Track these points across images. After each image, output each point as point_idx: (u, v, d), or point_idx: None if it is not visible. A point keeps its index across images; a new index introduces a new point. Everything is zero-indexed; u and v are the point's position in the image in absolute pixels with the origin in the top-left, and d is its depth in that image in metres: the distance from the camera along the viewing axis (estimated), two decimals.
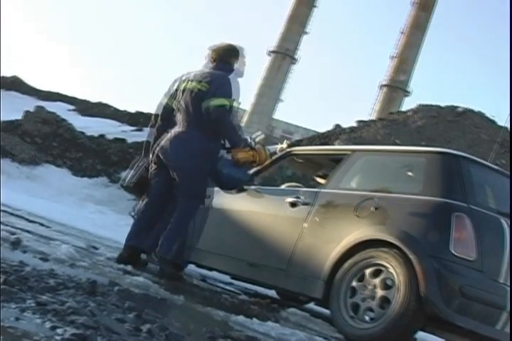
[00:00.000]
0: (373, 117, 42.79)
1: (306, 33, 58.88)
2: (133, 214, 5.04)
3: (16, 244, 3.48)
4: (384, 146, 7.05)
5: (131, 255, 4.44)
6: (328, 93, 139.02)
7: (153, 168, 4.64)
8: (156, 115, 4.82)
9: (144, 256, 4.77)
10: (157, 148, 4.58)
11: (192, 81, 4.56)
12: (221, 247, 4.91)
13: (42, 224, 5.95)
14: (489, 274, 3.54)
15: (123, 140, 16.48)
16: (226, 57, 4.70)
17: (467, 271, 3.49)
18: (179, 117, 4.61)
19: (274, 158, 5.35)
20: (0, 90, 23.19)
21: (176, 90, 4.64)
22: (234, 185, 4.71)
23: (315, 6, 59.07)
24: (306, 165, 5.66)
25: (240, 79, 4.66)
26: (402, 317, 3.42)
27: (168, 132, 4.65)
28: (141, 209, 4.67)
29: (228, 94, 4.47)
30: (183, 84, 4.58)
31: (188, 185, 4.47)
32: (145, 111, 23.91)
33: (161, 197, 4.61)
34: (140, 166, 4.86)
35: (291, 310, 4.50)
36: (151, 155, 4.67)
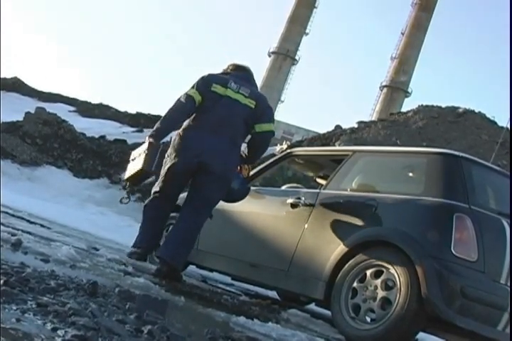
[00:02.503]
0: (374, 118, 42.87)
1: (306, 33, 58.96)
2: (126, 201, 4.88)
3: (16, 246, 3.47)
4: (385, 147, 7.06)
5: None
6: (329, 94, 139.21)
7: (180, 172, 4.47)
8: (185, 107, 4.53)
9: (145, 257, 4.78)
10: (196, 153, 4.39)
11: (237, 92, 4.53)
12: (222, 248, 4.91)
13: (43, 226, 5.95)
14: (490, 275, 3.54)
15: (124, 141, 16.50)
16: (253, 78, 4.84)
17: (468, 272, 3.49)
18: (210, 120, 4.46)
19: (274, 158, 5.35)
20: (0, 91, 23.23)
21: (213, 92, 4.49)
22: (239, 197, 4.64)
23: (315, 7, 59.14)
24: (306, 166, 5.66)
25: None
26: (403, 318, 3.42)
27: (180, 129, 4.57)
28: (156, 215, 4.62)
29: (273, 118, 4.76)
30: (226, 91, 4.47)
31: (217, 195, 4.47)
32: (145, 112, 23.98)
33: (173, 203, 4.66)
34: (156, 152, 4.53)
35: (292, 310, 4.49)
36: (180, 159, 4.44)
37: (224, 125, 4.44)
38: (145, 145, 4.56)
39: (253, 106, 4.53)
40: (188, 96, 4.52)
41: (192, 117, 4.55)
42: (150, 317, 2.41)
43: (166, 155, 4.55)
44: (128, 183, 4.87)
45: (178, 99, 4.55)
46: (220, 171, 4.39)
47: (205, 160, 4.36)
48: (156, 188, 4.61)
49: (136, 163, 4.62)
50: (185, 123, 4.56)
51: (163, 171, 4.55)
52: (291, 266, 4.20)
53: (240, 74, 4.71)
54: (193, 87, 4.51)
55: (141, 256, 4.56)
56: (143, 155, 4.53)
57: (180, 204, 4.72)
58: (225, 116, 4.47)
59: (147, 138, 4.60)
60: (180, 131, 4.55)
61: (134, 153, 4.72)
